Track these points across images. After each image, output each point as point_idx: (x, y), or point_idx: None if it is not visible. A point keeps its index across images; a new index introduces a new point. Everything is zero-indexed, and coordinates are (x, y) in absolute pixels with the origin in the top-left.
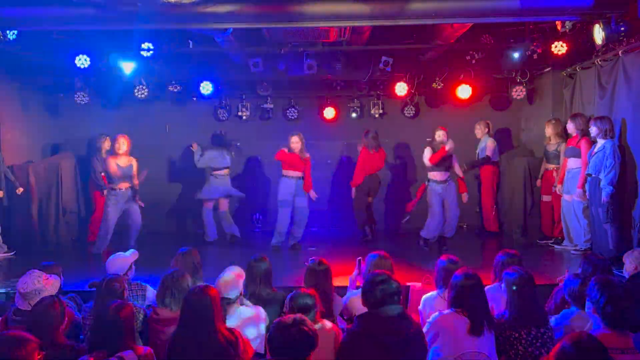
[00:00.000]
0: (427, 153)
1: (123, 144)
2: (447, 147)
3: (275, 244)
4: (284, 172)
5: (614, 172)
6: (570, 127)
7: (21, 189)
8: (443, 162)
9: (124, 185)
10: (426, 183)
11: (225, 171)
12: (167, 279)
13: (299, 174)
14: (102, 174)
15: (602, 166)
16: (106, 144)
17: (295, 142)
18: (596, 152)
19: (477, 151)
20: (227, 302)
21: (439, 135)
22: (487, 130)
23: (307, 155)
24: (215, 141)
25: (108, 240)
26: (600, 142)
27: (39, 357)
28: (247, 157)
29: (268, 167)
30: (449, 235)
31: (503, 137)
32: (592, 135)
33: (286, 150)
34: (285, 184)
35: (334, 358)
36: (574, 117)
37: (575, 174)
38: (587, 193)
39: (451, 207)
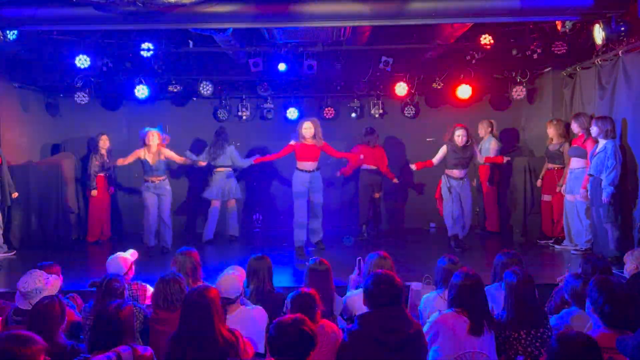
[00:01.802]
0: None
1: (154, 138)
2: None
3: (299, 243)
4: (297, 164)
5: (615, 173)
6: (575, 126)
7: (16, 194)
8: (462, 157)
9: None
10: (443, 179)
11: (222, 169)
12: (160, 282)
13: (312, 165)
14: (100, 174)
15: (603, 166)
16: (102, 142)
17: (307, 127)
18: (597, 153)
19: (478, 149)
20: (228, 302)
21: (458, 135)
22: (490, 129)
23: (322, 142)
24: (215, 137)
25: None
26: (602, 142)
27: None
28: (246, 157)
29: (268, 167)
30: (462, 235)
31: (503, 137)
32: (592, 135)
33: (293, 142)
34: (297, 178)
35: (334, 358)
36: (577, 116)
37: (579, 174)
38: (588, 193)
39: (466, 206)
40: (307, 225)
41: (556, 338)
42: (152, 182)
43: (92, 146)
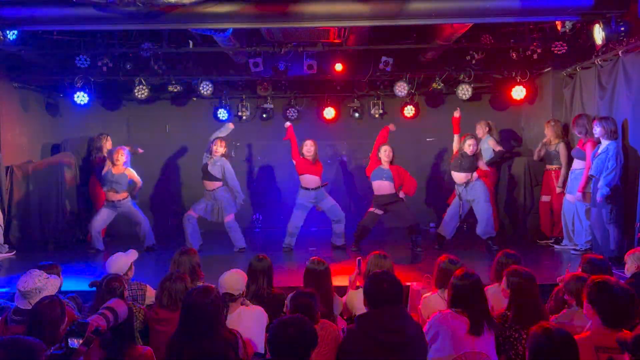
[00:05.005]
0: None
1: (121, 156)
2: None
3: (287, 246)
4: (301, 181)
5: (614, 175)
6: (575, 129)
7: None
8: (465, 163)
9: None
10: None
11: (210, 184)
12: (165, 281)
13: (316, 181)
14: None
15: (604, 167)
16: (108, 144)
17: (309, 145)
18: (599, 154)
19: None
20: (230, 299)
21: (469, 144)
22: (487, 129)
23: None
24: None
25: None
26: (604, 143)
27: None
28: (246, 157)
29: (268, 167)
30: (485, 236)
31: (503, 137)
32: (596, 135)
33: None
34: (303, 195)
35: (334, 358)
36: (576, 119)
37: (579, 174)
38: (586, 195)
39: (479, 206)
40: (297, 235)
41: (536, 331)
42: (112, 201)
43: (96, 147)
